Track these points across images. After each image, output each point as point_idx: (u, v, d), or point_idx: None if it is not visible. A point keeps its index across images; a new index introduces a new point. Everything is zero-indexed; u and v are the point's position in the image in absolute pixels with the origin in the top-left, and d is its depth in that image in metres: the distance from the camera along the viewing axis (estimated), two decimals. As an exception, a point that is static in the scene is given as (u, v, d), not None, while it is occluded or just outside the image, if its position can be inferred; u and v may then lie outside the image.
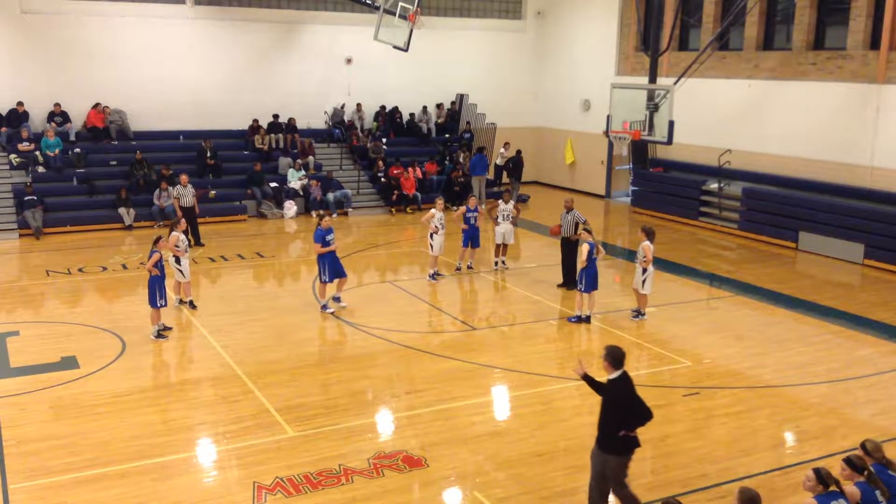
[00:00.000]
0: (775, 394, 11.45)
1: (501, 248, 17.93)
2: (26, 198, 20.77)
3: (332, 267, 14.56)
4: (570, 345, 13.62)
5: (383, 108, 27.93)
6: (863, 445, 7.37)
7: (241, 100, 25.67)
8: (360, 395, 11.23)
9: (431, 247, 16.90)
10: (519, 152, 27.28)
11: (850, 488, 6.71)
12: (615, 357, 7.67)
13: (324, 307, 14.77)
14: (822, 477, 6.60)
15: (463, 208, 17.53)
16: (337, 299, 14.96)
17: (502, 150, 27.97)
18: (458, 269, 17.64)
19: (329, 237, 14.53)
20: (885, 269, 18.50)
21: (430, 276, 16.97)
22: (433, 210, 16.92)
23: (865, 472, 6.79)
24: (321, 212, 15.91)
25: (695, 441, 9.92)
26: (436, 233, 16.73)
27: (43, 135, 22.69)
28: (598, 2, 27.86)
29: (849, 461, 6.93)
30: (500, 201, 17.98)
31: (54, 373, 11.77)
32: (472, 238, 17.37)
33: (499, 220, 17.65)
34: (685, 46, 25.20)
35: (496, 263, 17.98)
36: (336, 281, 14.85)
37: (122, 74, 24.09)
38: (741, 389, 11.57)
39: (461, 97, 29.19)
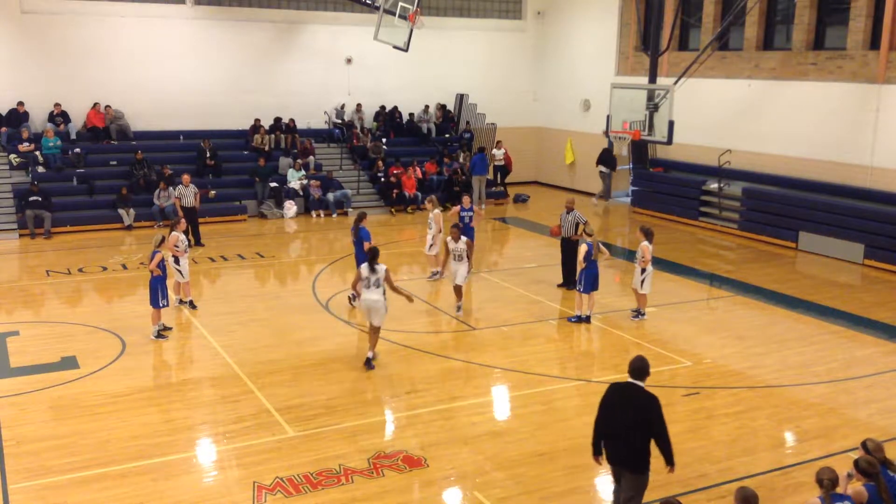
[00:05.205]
0: (775, 394, 11.45)
1: (456, 290, 15.10)
2: (31, 198, 20.67)
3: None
4: (570, 345, 13.62)
5: (383, 108, 27.94)
6: (864, 444, 7.37)
7: (241, 100, 25.68)
8: (360, 395, 11.23)
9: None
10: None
11: (858, 488, 6.69)
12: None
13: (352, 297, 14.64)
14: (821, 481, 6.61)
15: (457, 207, 17.38)
16: (353, 296, 14.80)
17: (495, 150, 27.95)
18: (438, 273, 16.59)
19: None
20: (885, 269, 18.50)
21: (430, 276, 16.94)
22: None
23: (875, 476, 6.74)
24: (363, 211, 15.71)
25: (695, 441, 9.92)
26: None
27: (43, 135, 22.70)
28: (598, 2, 27.85)
29: (857, 465, 6.88)
30: (449, 239, 15.05)
31: (54, 373, 11.77)
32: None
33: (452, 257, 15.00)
34: (685, 46, 25.19)
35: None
36: None
37: (122, 74, 24.09)
38: (741, 389, 11.57)
39: (461, 97, 29.19)
